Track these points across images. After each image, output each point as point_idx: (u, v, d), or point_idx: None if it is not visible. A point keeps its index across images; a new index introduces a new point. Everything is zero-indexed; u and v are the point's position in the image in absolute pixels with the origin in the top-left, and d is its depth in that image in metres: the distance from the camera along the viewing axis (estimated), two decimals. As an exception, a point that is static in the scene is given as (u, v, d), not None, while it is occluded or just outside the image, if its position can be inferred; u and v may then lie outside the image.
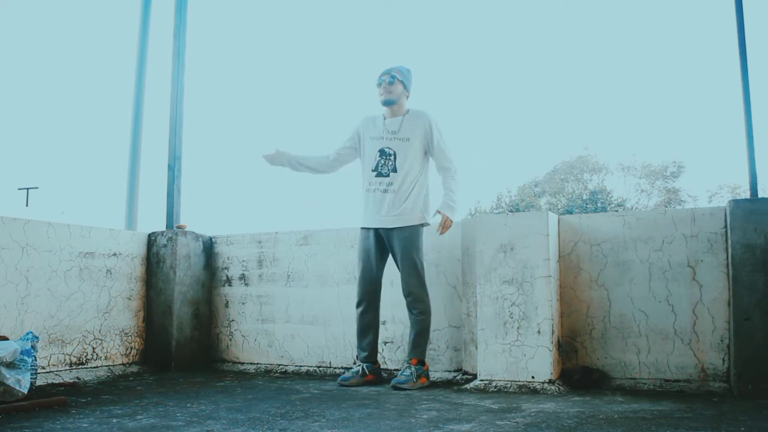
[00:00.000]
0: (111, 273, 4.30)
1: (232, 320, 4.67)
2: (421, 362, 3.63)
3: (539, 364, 3.38)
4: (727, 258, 3.36)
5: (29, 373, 3.01)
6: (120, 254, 4.37)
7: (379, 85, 3.82)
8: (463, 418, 2.64)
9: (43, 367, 3.80)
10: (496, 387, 3.40)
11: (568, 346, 3.65)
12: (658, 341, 3.46)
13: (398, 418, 2.66)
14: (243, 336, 4.61)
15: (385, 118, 3.84)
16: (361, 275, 3.79)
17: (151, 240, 4.60)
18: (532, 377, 3.38)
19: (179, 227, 4.64)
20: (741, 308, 3.21)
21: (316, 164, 4.01)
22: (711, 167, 39.25)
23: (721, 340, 3.36)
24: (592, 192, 28.01)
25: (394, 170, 3.72)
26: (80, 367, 4.03)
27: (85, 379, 3.89)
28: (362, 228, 3.83)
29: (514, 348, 3.44)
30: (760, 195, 3.39)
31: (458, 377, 3.78)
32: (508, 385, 3.39)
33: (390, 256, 3.81)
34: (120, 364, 4.29)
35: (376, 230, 3.76)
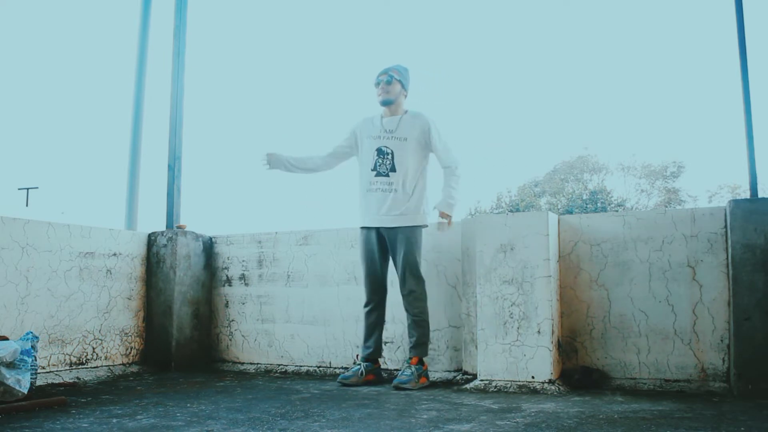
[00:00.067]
0: (111, 273, 4.30)
1: (232, 320, 4.67)
2: (421, 362, 3.63)
3: (539, 364, 3.38)
4: (727, 258, 3.36)
5: (29, 373, 3.01)
6: (120, 254, 4.37)
7: (377, 84, 3.82)
8: (463, 418, 2.64)
9: (43, 367, 3.80)
10: (496, 387, 3.40)
11: (568, 346, 3.65)
12: (658, 341, 3.46)
13: (398, 418, 2.66)
14: (243, 336, 4.61)
15: (382, 118, 3.84)
16: (368, 276, 3.79)
17: (151, 240, 4.60)
18: (532, 377, 3.38)
19: (179, 227, 4.64)
20: (741, 308, 3.21)
21: (309, 164, 4.03)
22: (711, 167, 39.28)
23: (721, 340, 3.36)
24: (592, 192, 28.02)
25: (393, 169, 3.72)
26: (80, 367, 4.03)
27: (85, 379, 3.89)
28: (362, 228, 3.83)
29: (514, 348, 3.44)
30: (760, 195, 3.39)
31: (458, 377, 3.78)
32: (508, 385, 3.39)
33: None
34: (120, 364, 4.29)
35: (377, 229, 3.76)
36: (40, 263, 3.86)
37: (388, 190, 3.71)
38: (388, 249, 3.79)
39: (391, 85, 3.79)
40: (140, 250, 4.55)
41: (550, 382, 3.34)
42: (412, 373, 3.54)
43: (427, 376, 3.62)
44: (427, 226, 3.80)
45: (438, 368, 3.93)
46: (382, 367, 3.96)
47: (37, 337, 3.16)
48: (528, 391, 3.31)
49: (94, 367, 4.11)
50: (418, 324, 3.66)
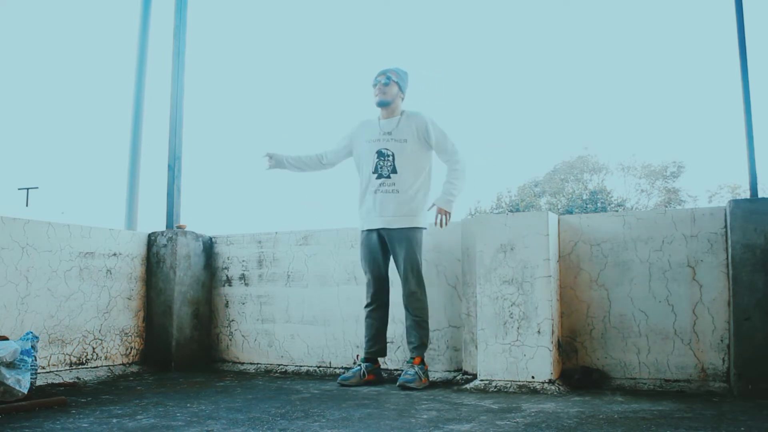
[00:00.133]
0: (111, 273, 4.30)
1: (232, 320, 4.67)
2: (423, 362, 3.63)
3: (539, 364, 3.38)
4: (727, 258, 3.36)
5: (29, 373, 3.01)
6: (120, 254, 4.37)
7: (375, 85, 3.82)
8: (463, 418, 2.64)
9: (43, 367, 3.80)
10: (496, 387, 3.40)
11: (568, 346, 3.65)
12: (658, 341, 3.46)
13: (398, 418, 2.66)
14: (243, 336, 4.61)
15: (380, 120, 3.84)
16: (370, 277, 3.79)
17: (151, 240, 4.60)
18: (532, 377, 3.38)
19: (179, 227, 4.64)
20: (741, 308, 3.21)
21: (308, 163, 4.09)
22: (711, 167, 39.28)
23: (721, 340, 3.36)
24: (592, 192, 28.01)
25: (394, 171, 3.72)
26: (80, 367, 4.03)
27: (85, 379, 3.89)
28: (363, 230, 3.83)
29: (514, 348, 3.44)
30: (760, 195, 3.39)
31: (458, 377, 3.78)
32: (508, 385, 3.39)
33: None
34: (120, 364, 4.29)
35: (378, 231, 3.76)
36: (40, 263, 3.86)
37: (390, 191, 3.71)
38: (389, 250, 3.78)
39: (389, 86, 3.79)
40: (140, 250, 4.55)
41: (550, 382, 3.34)
42: (415, 372, 3.54)
43: (427, 377, 3.62)
44: (426, 228, 3.80)
45: (438, 368, 3.93)
46: (382, 367, 3.95)
47: (37, 337, 3.16)
48: (528, 391, 3.31)
49: (94, 367, 4.11)
50: (419, 325, 3.66)
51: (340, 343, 4.26)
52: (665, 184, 28.73)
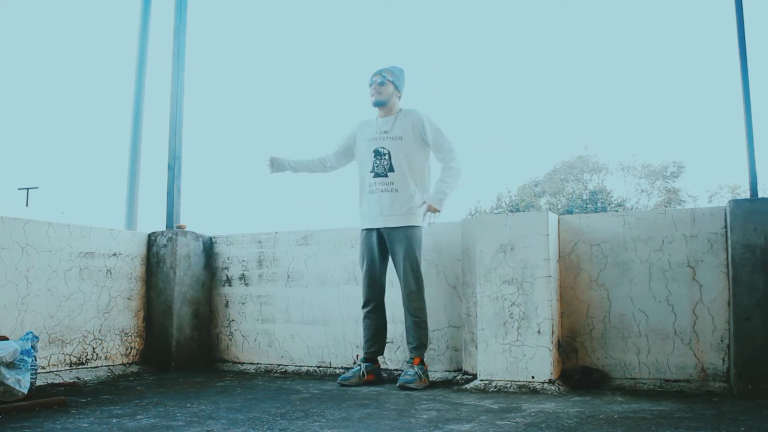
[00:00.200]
0: (111, 273, 4.30)
1: (232, 320, 4.67)
2: (422, 362, 3.63)
3: (539, 364, 3.38)
4: (727, 258, 3.36)
5: (29, 373, 3.01)
6: (120, 254, 4.37)
7: (371, 85, 3.82)
8: (463, 418, 2.64)
9: (43, 367, 3.79)
10: (496, 387, 3.40)
11: (568, 346, 3.65)
12: (658, 341, 3.46)
13: (398, 418, 2.66)
14: (243, 336, 4.61)
15: (377, 119, 3.85)
16: (367, 276, 3.79)
17: (151, 240, 4.60)
18: (532, 377, 3.38)
19: (179, 227, 4.64)
20: (741, 308, 3.21)
21: (312, 166, 4.12)
22: (711, 167, 39.27)
23: (721, 340, 3.36)
24: (592, 192, 28.01)
25: (391, 170, 3.72)
26: (80, 367, 4.03)
27: (85, 379, 3.89)
28: (363, 229, 3.83)
29: (514, 348, 3.44)
30: (760, 195, 3.39)
31: (458, 377, 3.78)
32: (508, 385, 3.39)
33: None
34: (120, 364, 4.29)
35: (378, 230, 3.76)
36: (40, 263, 3.86)
37: (388, 190, 3.71)
38: (387, 250, 3.78)
39: (384, 86, 3.79)
40: (140, 250, 4.55)
41: (550, 382, 3.34)
42: (416, 372, 3.54)
43: (427, 377, 3.62)
44: (426, 226, 3.80)
45: (438, 368, 3.93)
46: (382, 367, 3.95)
47: (37, 337, 3.16)
48: (528, 391, 3.31)
49: (94, 367, 4.11)
50: (419, 325, 3.66)
51: (340, 343, 4.26)
52: (665, 184, 28.73)
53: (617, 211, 23.71)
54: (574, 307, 3.65)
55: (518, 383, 3.38)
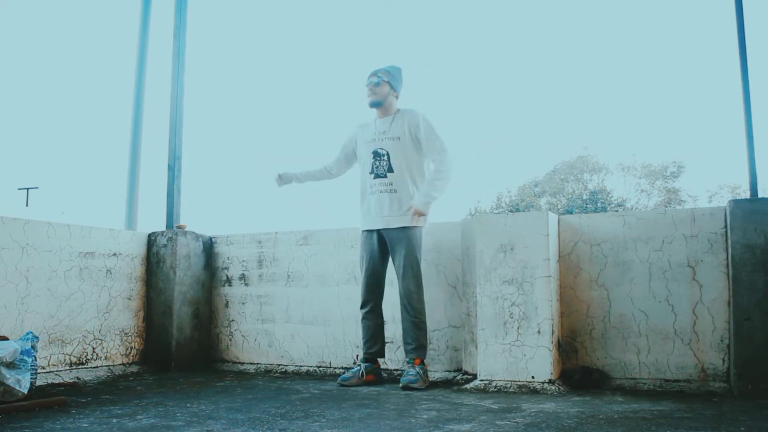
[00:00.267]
0: (111, 273, 4.30)
1: (232, 320, 4.67)
2: (422, 362, 3.63)
3: (539, 364, 3.38)
4: (727, 258, 3.36)
5: (29, 373, 3.01)
6: (120, 254, 4.37)
7: (367, 86, 3.82)
8: (463, 418, 2.64)
9: (43, 367, 3.79)
10: (496, 387, 3.40)
11: (568, 346, 3.65)
12: (658, 341, 3.46)
13: (398, 418, 2.66)
14: (243, 336, 4.61)
15: (376, 120, 3.85)
16: (366, 277, 3.79)
17: (151, 240, 4.60)
18: (532, 377, 3.38)
19: (179, 227, 4.64)
20: (741, 308, 3.21)
21: (318, 175, 4.13)
22: (711, 167, 39.28)
23: (721, 340, 3.36)
24: (592, 192, 28.02)
25: (390, 170, 3.72)
26: (80, 367, 4.03)
27: (85, 379, 3.89)
28: (364, 230, 3.83)
29: (514, 348, 3.44)
30: (760, 195, 3.39)
31: (458, 377, 3.78)
32: (508, 385, 3.39)
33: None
34: (120, 364, 4.29)
35: (378, 231, 3.76)
36: (40, 263, 3.86)
37: (387, 191, 3.71)
38: (388, 251, 3.78)
39: (379, 86, 3.78)
40: (140, 250, 4.55)
41: (550, 382, 3.34)
42: (417, 372, 3.54)
43: (427, 377, 3.61)
44: (426, 227, 3.79)
45: (438, 368, 3.93)
46: (382, 367, 3.95)
47: (37, 337, 3.16)
48: (528, 391, 3.31)
49: (94, 367, 4.11)
50: (417, 326, 3.65)
51: (340, 343, 4.26)
52: (665, 184, 28.74)
53: (617, 211, 23.71)
54: (574, 307, 3.65)
55: (518, 383, 3.38)
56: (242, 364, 4.55)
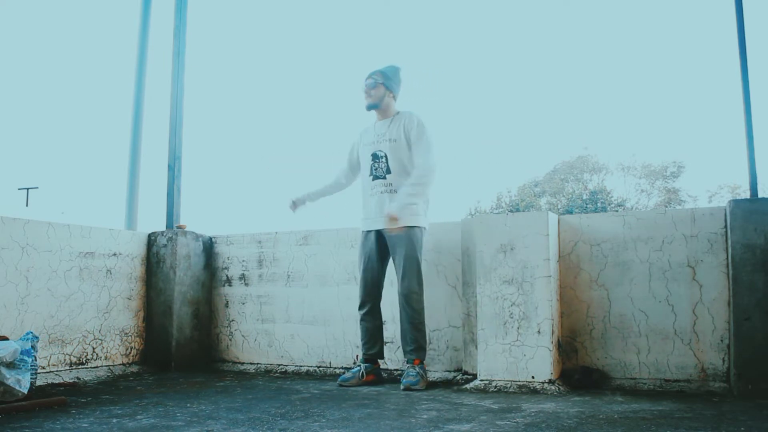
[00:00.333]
0: (111, 273, 4.30)
1: (232, 320, 4.67)
2: (422, 362, 3.62)
3: (539, 364, 3.38)
4: (727, 258, 3.36)
5: (29, 373, 3.01)
6: (120, 254, 4.37)
7: (363, 89, 3.82)
8: (463, 418, 2.64)
9: (43, 367, 3.79)
10: (496, 387, 3.40)
11: (568, 346, 3.65)
12: (658, 341, 3.46)
13: (398, 418, 2.66)
14: (243, 336, 4.61)
15: (375, 123, 3.86)
16: (364, 277, 3.78)
17: (151, 240, 4.60)
18: (532, 377, 3.38)
19: (179, 227, 4.64)
20: (741, 308, 3.21)
21: (330, 190, 4.10)
22: (711, 167, 39.29)
23: (721, 340, 3.36)
24: (592, 192, 28.02)
25: (389, 171, 3.72)
26: (80, 367, 4.03)
27: (85, 379, 3.89)
28: (364, 231, 3.83)
29: (514, 348, 3.44)
30: (760, 195, 3.39)
31: (458, 377, 3.78)
32: (508, 385, 3.39)
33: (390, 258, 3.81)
34: (120, 364, 4.29)
35: (378, 232, 3.76)
36: (40, 263, 3.86)
37: (387, 191, 3.71)
38: (387, 252, 3.78)
39: (375, 89, 3.78)
40: (140, 250, 4.55)
41: (550, 382, 3.34)
42: (417, 373, 3.53)
43: (427, 377, 3.61)
44: (427, 227, 3.79)
45: (438, 368, 3.93)
46: (382, 367, 3.95)
47: (37, 337, 3.16)
48: (528, 391, 3.31)
49: (94, 367, 4.11)
50: (416, 327, 3.63)
51: (340, 343, 4.26)
52: (665, 184, 28.74)
53: (617, 211, 23.71)
54: (574, 307, 3.65)
55: (518, 383, 3.38)
56: (242, 364, 4.55)
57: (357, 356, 4.18)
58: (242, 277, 4.67)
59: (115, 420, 2.63)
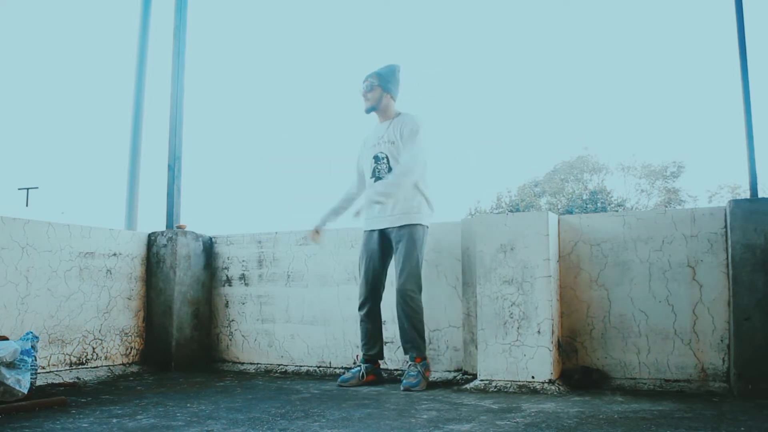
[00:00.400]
0: (111, 273, 4.30)
1: (232, 320, 4.67)
2: (423, 360, 3.61)
3: (539, 364, 3.38)
4: (727, 258, 3.36)
5: (29, 373, 3.01)
6: (120, 254, 4.37)
7: (361, 93, 3.82)
8: (463, 418, 2.64)
9: (43, 367, 3.79)
10: (496, 387, 3.40)
11: (568, 346, 3.65)
12: (658, 341, 3.46)
13: (398, 418, 2.66)
14: (243, 336, 4.61)
15: (377, 126, 3.86)
16: (365, 277, 3.78)
17: (151, 240, 4.60)
18: (532, 377, 3.38)
19: (179, 227, 4.64)
20: (741, 308, 3.21)
21: (346, 204, 4.04)
22: (711, 167, 39.29)
23: (721, 340, 3.36)
24: (592, 192, 28.02)
25: (389, 172, 3.72)
26: (80, 367, 4.03)
27: (85, 379, 3.89)
28: (366, 230, 3.83)
29: (514, 348, 3.44)
30: (760, 195, 3.39)
31: (458, 377, 3.78)
32: (508, 385, 3.39)
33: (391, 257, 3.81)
34: (120, 364, 4.29)
35: (380, 231, 3.75)
36: (40, 263, 3.86)
37: (389, 191, 3.70)
38: (389, 252, 3.77)
39: (371, 91, 3.77)
40: (140, 250, 4.55)
41: (550, 382, 3.34)
42: (418, 372, 3.52)
43: (427, 378, 3.60)
44: (428, 226, 3.78)
45: (438, 368, 3.93)
46: (382, 367, 3.95)
47: (37, 337, 3.15)
48: (528, 391, 3.31)
49: (94, 367, 4.11)
50: (415, 326, 3.62)
51: (340, 343, 4.26)
52: (665, 184, 28.74)
53: (617, 211, 23.71)
54: (574, 307, 3.65)
55: (518, 383, 3.38)
56: (242, 364, 4.55)
57: (357, 356, 4.18)
58: (242, 277, 4.67)
59: (115, 420, 2.63)
